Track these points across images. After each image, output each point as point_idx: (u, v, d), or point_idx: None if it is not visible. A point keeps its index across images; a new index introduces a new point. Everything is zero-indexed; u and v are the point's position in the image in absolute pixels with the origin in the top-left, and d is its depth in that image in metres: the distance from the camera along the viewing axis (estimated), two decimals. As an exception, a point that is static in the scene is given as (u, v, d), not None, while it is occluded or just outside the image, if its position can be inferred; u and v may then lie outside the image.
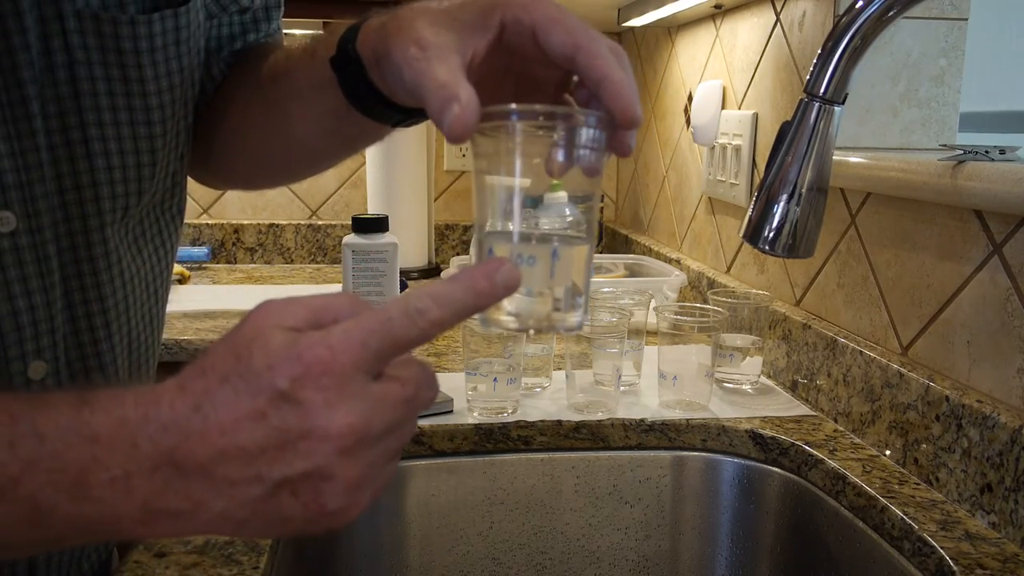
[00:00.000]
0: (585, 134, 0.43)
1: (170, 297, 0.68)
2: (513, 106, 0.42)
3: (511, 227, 0.44)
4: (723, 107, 1.33)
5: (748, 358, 1.00)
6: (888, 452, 0.82)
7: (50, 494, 0.36)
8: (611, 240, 1.92)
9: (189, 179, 0.67)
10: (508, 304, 0.42)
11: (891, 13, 0.65)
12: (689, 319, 0.95)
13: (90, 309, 0.55)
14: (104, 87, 0.52)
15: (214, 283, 1.71)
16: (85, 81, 0.51)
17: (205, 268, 1.86)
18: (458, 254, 1.90)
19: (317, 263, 1.95)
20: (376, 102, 0.51)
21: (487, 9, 0.44)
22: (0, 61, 0.47)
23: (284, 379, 0.36)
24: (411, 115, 0.53)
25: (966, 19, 0.98)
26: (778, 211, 0.70)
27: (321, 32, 0.64)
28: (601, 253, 1.77)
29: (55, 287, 0.52)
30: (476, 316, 0.41)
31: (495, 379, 0.91)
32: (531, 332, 0.45)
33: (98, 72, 0.52)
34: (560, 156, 0.44)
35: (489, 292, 0.39)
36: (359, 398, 0.37)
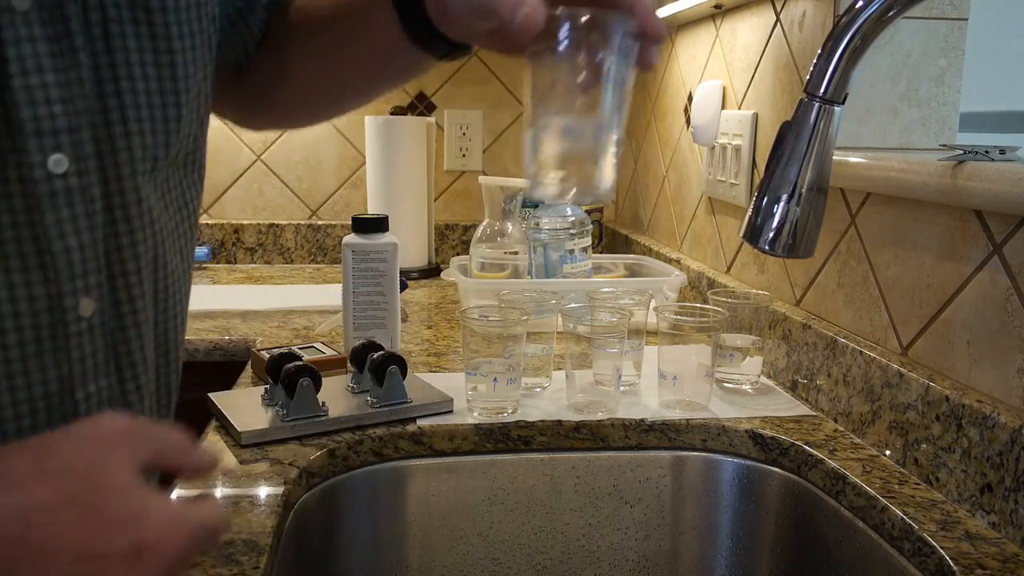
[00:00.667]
0: (623, 37, 0.57)
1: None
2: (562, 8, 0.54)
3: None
4: (723, 107, 1.33)
5: (748, 358, 1.00)
6: (888, 452, 0.82)
7: None
8: (611, 240, 1.92)
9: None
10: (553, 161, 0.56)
11: (891, 13, 0.65)
12: (689, 319, 0.95)
13: (123, 255, 0.59)
14: (135, 44, 0.57)
15: (214, 283, 1.71)
16: (118, 38, 0.55)
17: (205, 268, 1.86)
18: (458, 254, 1.90)
19: (317, 263, 1.95)
20: (430, 35, 0.62)
21: None
22: (52, 13, 0.52)
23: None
24: (457, 48, 0.64)
25: (966, 19, 0.98)
26: (778, 211, 0.70)
27: None
28: (601, 253, 1.78)
29: (98, 228, 0.57)
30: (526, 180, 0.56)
31: (495, 379, 0.91)
32: (571, 195, 0.57)
33: (129, 29, 0.56)
34: (602, 52, 0.57)
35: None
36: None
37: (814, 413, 0.94)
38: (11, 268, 0.53)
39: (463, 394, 0.93)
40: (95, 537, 0.43)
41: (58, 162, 0.54)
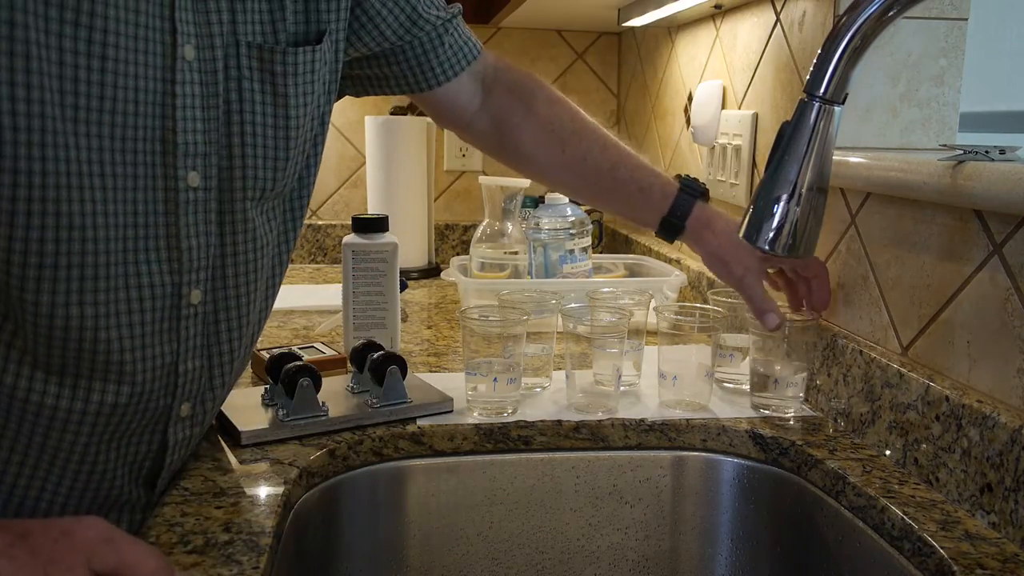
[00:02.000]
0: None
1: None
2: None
3: None
4: (723, 107, 1.33)
5: (748, 358, 1.00)
6: (888, 452, 0.82)
7: None
8: (611, 240, 1.92)
9: None
10: None
11: (891, 13, 0.65)
12: (689, 319, 0.95)
13: (226, 261, 0.73)
14: (259, 98, 0.71)
15: (214, 283, 1.71)
16: (248, 91, 0.71)
17: (205, 268, 1.86)
18: (458, 254, 1.90)
19: (317, 263, 1.95)
20: (669, 237, 0.99)
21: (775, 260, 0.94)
22: (205, 64, 0.67)
23: None
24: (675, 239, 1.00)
25: (966, 19, 0.98)
26: (778, 211, 0.70)
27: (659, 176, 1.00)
28: (601, 253, 1.78)
29: (212, 235, 0.70)
30: None
31: (495, 379, 0.91)
32: None
33: (256, 86, 0.71)
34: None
35: None
36: None
37: (814, 413, 0.94)
38: (150, 260, 0.66)
39: (463, 394, 0.93)
40: None
41: (193, 178, 0.68)
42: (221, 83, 0.68)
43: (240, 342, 0.76)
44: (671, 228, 0.97)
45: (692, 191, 0.97)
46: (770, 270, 0.98)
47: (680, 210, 0.96)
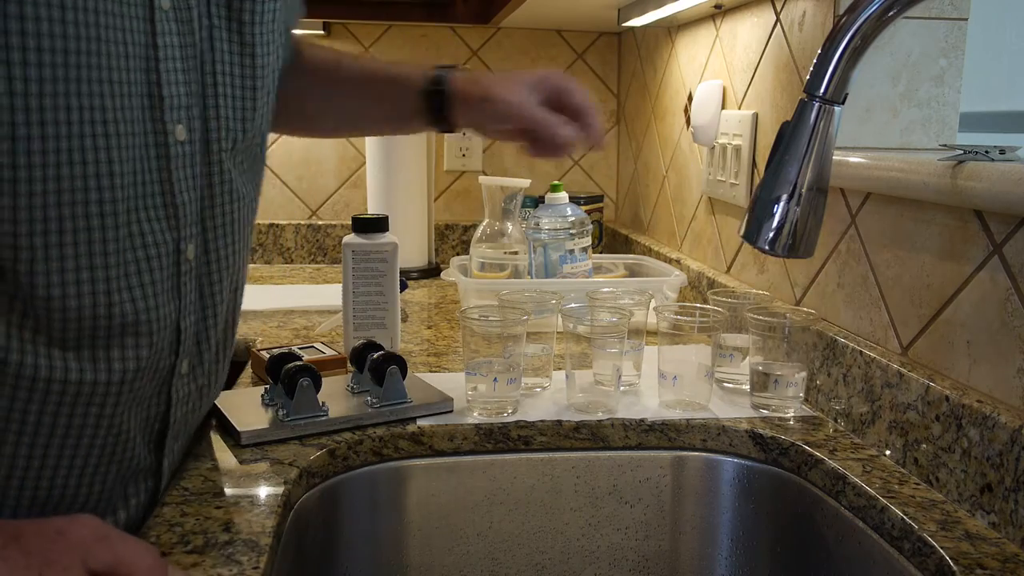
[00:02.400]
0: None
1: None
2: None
3: None
4: (723, 107, 1.33)
5: (748, 358, 1.00)
6: (888, 452, 0.82)
7: None
8: (611, 240, 1.92)
9: None
10: None
11: (891, 13, 0.65)
12: (689, 319, 0.95)
13: (214, 212, 0.73)
14: (228, 47, 0.71)
15: (214, 283, 1.71)
16: (218, 40, 0.70)
17: (205, 268, 1.86)
18: (458, 254, 1.90)
19: (317, 263, 1.95)
20: (440, 122, 0.93)
21: (540, 78, 0.90)
22: (180, 14, 0.66)
23: None
24: (451, 130, 0.94)
25: (966, 19, 0.98)
26: (778, 211, 0.70)
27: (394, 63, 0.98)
28: (601, 253, 1.78)
29: (200, 188, 0.70)
30: None
31: (495, 379, 0.91)
32: None
33: (225, 35, 0.71)
34: None
35: None
36: None
37: (814, 413, 0.94)
38: (150, 218, 0.66)
39: (463, 394, 0.93)
40: None
41: (180, 131, 0.67)
42: (196, 32, 0.68)
43: (224, 296, 0.76)
44: (436, 102, 0.91)
45: (446, 67, 0.94)
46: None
47: (439, 80, 0.92)
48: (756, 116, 1.21)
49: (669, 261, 1.48)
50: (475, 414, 0.92)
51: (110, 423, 0.68)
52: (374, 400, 0.90)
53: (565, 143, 0.87)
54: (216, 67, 0.70)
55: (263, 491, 0.74)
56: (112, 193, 0.62)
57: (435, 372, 1.07)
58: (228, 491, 0.74)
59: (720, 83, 1.33)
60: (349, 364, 0.98)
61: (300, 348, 1.07)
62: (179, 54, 0.66)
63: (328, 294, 1.50)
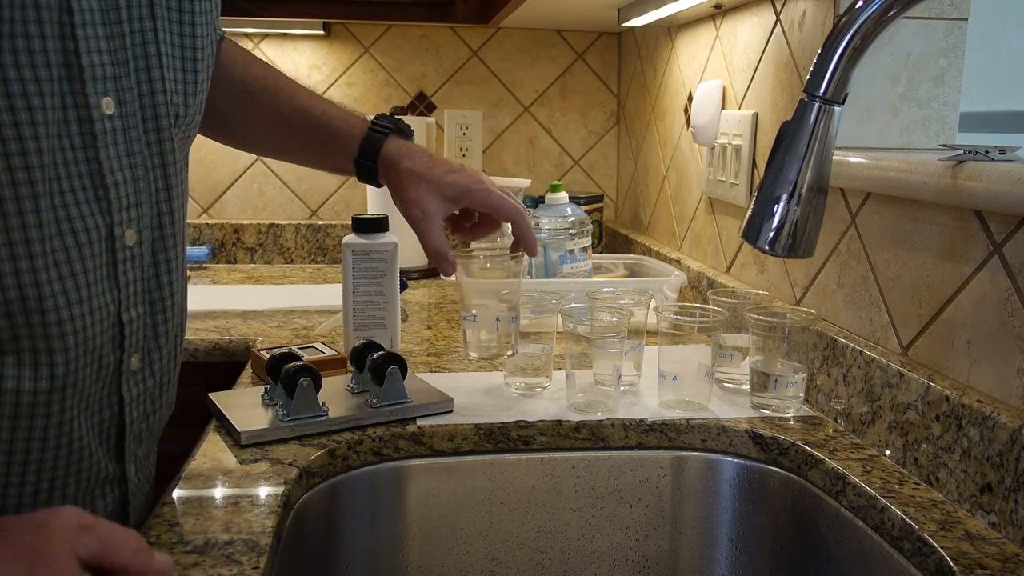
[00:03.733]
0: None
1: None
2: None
3: None
4: (723, 107, 1.33)
5: (748, 358, 1.00)
6: (888, 452, 0.82)
7: None
8: (611, 240, 1.92)
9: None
10: None
11: (891, 13, 0.65)
12: (689, 319, 0.95)
13: (162, 196, 0.69)
14: (168, 27, 0.69)
15: (214, 283, 1.71)
16: (160, 20, 0.68)
17: (205, 268, 1.86)
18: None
19: (317, 263, 1.95)
20: (371, 181, 0.96)
21: (460, 193, 0.91)
22: None
23: None
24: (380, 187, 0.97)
25: (966, 19, 0.98)
26: (778, 211, 0.70)
27: (338, 107, 0.98)
28: (601, 253, 1.78)
29: (137, 168, 0.66)
30: None
31: (497, 318, 0.93)
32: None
33: (166, 14, 0.69)
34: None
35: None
36: None
37: (814, 413, 0.94)
38: (78, 201, 0.62)
39: (463, 394, 0.93)
40: None
41: (107, 104, 0.63)
42: (123, 3, 0.65)
43: (176, 286, 0.73)
44: (366, 170, 0.95)
45: (382, 129, 0.94)
46: (456, 212, 0.96)
47: (369, 149, 0.93)
48: (756, 116, 1.21)
49: (669, 261, 1.48)
50: (472, 355, 0.93)
51: (59, 432, 0.65)
52: (374, 400, 0.90)
53: (442, 270, 0.93)
54: (160, 39, 0.67)
55: (263, 491, 0.74)
56: (28, 173, 0.58)
57: (435, 372, 1.07)
58: (228, 491, 0.74)
59: (720, 83, 1.33)
60: (349, 364, 0.98)
61: (300, 348, 1.07)
62: (99, 19, 0.62)
63: (328, 294, 1.50)
